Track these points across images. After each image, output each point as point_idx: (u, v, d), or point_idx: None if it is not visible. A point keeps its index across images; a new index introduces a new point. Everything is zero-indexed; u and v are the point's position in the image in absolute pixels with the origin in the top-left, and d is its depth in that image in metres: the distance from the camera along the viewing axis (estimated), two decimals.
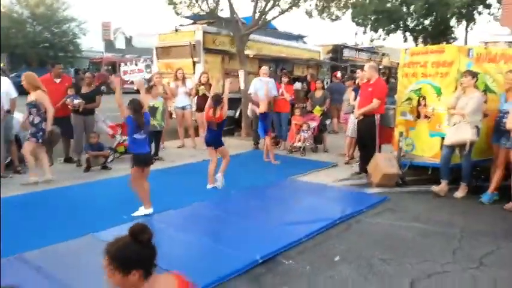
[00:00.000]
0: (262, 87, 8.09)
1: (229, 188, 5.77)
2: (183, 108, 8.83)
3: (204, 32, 10.45)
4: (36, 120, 5.86)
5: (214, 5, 10.67)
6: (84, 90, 7.30)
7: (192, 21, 11.83)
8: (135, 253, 1.63)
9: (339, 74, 11.69)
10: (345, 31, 75.12)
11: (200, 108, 8.26)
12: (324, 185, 6.19)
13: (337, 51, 16.34)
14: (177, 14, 11.05)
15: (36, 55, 24.40)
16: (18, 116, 6.68)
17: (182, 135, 9.00)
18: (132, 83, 5.92)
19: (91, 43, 27.20)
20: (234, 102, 9.35)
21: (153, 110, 7.38)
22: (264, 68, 8.82)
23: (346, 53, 16.71)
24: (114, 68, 25.22)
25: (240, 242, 3.99)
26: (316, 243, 4.07)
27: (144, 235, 1.65)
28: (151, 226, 1.76)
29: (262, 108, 7.60)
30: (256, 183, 6.23)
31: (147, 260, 1.66)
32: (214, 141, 5.79)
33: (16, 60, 24.93)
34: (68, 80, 7.53)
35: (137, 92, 5.24)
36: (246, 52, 10.69)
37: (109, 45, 31.23)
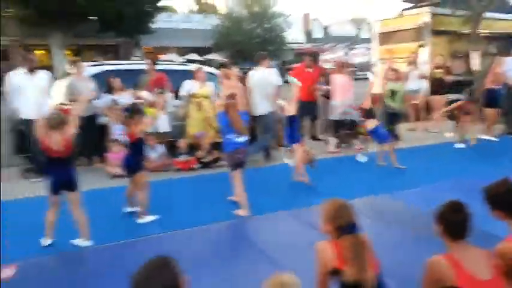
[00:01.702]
0: None
1: None
2: (415, 91, 8.97)
3: (433, 14, 10.25)
4: None
5: None
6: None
7: (411, 4, 11.71)
8: None
9: None
10: None
11: (436, 91, 8.28)
12: None
13: None
14: None
15: (252, 50, 28.00)
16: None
17: (413, 118, 9.19)
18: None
19: (294, 35, 29.63)
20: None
21: (393, 93, 7.79)
22: None
23: None
24: (315, 57, 26.82)
25: None
26: None
27: None
28: None
29: None
30: None
31: None
32: None
33: (237, 56, 29.20)
34: (318, 70, 8.64)
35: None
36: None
37: (308, 36, 33.39)
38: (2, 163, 6.33)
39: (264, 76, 6.93)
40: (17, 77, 5.84)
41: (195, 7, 45.33)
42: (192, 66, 7.99)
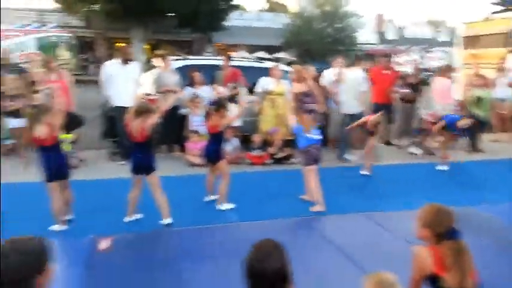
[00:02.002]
0: None
1: None
2: (502, 100, 8.38)
3: None
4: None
5: None
6: (410, 80, 7.96)
7: (500, 7, 10.89)
8: None
9: None
10: None
11: None
12: None
13: None
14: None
15: (320, 49, 27.74)
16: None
17: (498, 129, 8.60)
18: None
19: (365, 36, 28.87)
20: None
21: (479, 100, 7.36)
22: None
23: None
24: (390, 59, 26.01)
25: None
26: None
27: None
28: None
29: None
30: None
31: None
32: None
33: (305, 55, 29.11)
34: (395, 72, 8.39)
35: None
36: None
37: (380, 36, 32.37)
38: (92, 146, 6.91)
39: (356, 77, 6.92)
40: (112, 67, 6.32)
41: (266, 6, 45.87)
42: (267, 64, 8.13)
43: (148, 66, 7.90)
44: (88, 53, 26.23)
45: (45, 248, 1.47)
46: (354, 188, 5.54)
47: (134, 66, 6.42)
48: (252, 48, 28.73)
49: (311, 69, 7.52)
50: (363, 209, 4.58)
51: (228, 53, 23.86)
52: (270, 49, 28.53)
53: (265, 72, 7.51)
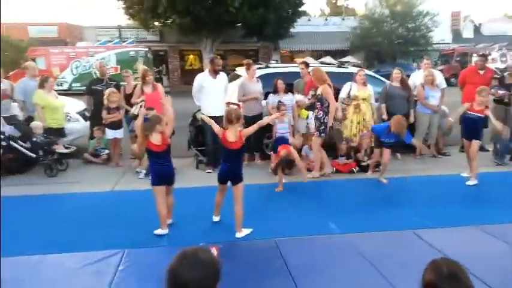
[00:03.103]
0: None
1: None
2: None
3: None
4: (320, 114, 6.04)
5: None
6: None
7: None
8: None
9: None
10: None
11: None
12: None
13: None
14: None
15: (390, 51, 26.72)
16: None
17: None
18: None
19: (441, 35, 27.24)
20: None
21: None
22: None
23: None
24: (464, 59, 24.44)
25: None
26: None
27: None
28: None
29: None
30: None
31: None
32: None
33: (373, 58, 28.23)
34: (490, 72, 7.77)
35: None
36: None
37: (456, 35, 30.35)
38: (179, 154, 7.17)
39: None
40: (203, 78, 6.53)
41: (330, 10, 45.31)
42: (350, 69, 7.94)
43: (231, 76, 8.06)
44: (161, 66, 27.64)
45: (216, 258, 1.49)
46: (461, 197, 5.17)
47: (223, 77, 6.58)
48: (317, 54, 28.43)
49: (396, 72, 7.24)
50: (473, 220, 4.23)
51: (293, 59, 23.76)
52: (336, 53, 28.04)
53: (347, 77, 7.35)
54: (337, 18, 31.05)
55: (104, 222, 4.32)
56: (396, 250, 3.58)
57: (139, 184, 5.82)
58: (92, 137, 7.23)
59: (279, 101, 6.58)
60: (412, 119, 7.18)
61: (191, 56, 29.44)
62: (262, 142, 7.04)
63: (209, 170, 6.47)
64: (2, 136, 5.92)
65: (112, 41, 23.99)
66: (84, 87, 19.46)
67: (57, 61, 21.63)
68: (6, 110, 6.60)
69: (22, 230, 4.08)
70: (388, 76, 7.81)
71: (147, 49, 22.90)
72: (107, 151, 7.04)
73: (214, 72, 6.37)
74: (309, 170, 6.30)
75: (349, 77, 7.30)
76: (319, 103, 5.96)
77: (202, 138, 6.81)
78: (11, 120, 6.51)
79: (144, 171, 6.22)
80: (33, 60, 20.66)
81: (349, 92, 6.92)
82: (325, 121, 5.95)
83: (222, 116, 6.39)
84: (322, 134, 6.01)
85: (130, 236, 3.88)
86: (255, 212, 4.58)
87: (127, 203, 4.92)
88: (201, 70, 27.00)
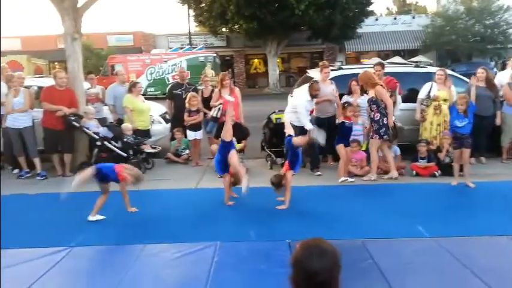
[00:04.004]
0: None
1: None
2: None
3: None
4: (377, 116, 5.88)
5: None
6: None
7: None
8: None
9: None
10: None
11: None
12: None
13: None
14: None
15: (465, 49, 25.18)
16: None
17: None
18: None
19: None
20: None
21: None
22: None
23: None
24: None
25: None
26: None
27: None
28: None
29: None
30: None
31: None
32: None
33: (446, 57, 26.80)
34: None
35: None
36: None
37: None
38: (254, 155, 7.38)
39: None
40: (304, 101, 6.46)
41: (395, 8, 43.70)
42: (429, 69, 7.68)
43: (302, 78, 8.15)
44: (227, 70, 28.55)
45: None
46: None
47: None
48: (385, 54, 27.57)
49: (481, 71, 6.88)
50: None
51: (359, 60, 23.30)
52: (405, 53, 27.00)
53: (424, 77, 7.12)
54: (407, 16, 29.87)
55: (193, 216, 4.62)
56: (493, 256, 3.42)
57: (219, 183, 6.11)
58: (173, 138, 7.69)
59: (346, 102, 6.53)
60: (498, 121, 6.80)
61: (256, 60, 30.00)
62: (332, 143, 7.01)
63: (318, 173, 6.51)
64: (97, 137, 6.51)
65: (183, 48, 25.17)
66: (158, 92, 20.75)
67: (134, 68, 23.16)
68: (98, 113, 7.26)
69: (122, 222, 4.49)
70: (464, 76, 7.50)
71: (215, 54, 23.73)
72: (187, 151, 7.45)
73: (313, 96, 6.24)
74: (386, 172, 6.21)
75: (427, 77, 7.07)
76: (374, 105, 5.94)
77: (276, 139, 6.96)
78: (104, 122, 7.15)
79: None
80: (112, 67, 22.45)
81: (429, 92, 6.70)
82: (385, 122, 5.87)
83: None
84: (385, 136, 5.92)
85: (220, 230, 4.11)
86: (337, 213, 4.63)
87: (212, 199, 5.20)
88: (265, 74, 27.56)
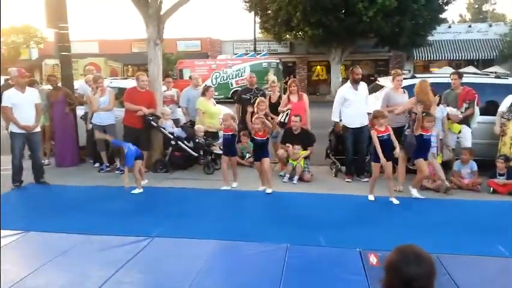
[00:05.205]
0: None
1: None
2: None
3: None
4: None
5: None
6: None
7: None
8: None
9: None
10: None
11: None
12: None
13: None
14: None
15: None
16: None
17: None
18: None
19: None
20: None
21: None
22: None
23: None
24: None
25: None
26: None
27: None
28: None
29: None
30: None
31: None
32: None
33: None
34: None
35: None
36: None
37: None
38: (316, 161, 7.39)
39: None
40: (345, 91, 6.65)
41: (469, 16, 41.29)
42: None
43: (374, 87, 8.03)
44: (289, 76, 28.68)
45: None
46: None
47: (363, 87, 6.61)
48: (456, 63, 26.15)
49: None
50: None
51: (429, 69, 22.26)
52: (479, 63, 25.43)
53: (505, 89, 6.73)
54: (484, 24, 28.12)
55: (261, 217, 4.77)
56: None
57: (284, 186, 6.21)
58: (239, 141, 7.92)
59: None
60: None
61: (318, 67, 29.86)
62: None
63: (348, 180, 6.54)
64: (172, 136, 6.91)
65: (247, 54, 25.73)
66: (221, 96, 21.35)
67: (201, 72, 24.01)
68: (172, 114, 7.70)
69: (198, 219, 4.75)
70: None
71: (278, 61, 23.97)
72: (249, 155, 7.64)
73: (355, 82, 6.42)
74: (460, 187, 5.96)
75: (509, 89, 6.69)
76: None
77: (342, 147, 6.93)
78: (177, 123, 7.56)
79: (288, 175, 6.61)
80: (181, 71, 23.53)
81: (511, 105, 6.33)
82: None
83: (363, 126, 6.48)
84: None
85: (290, 233, 4.21)
86: (408, 225, 4.53)
87: (280, 203, 5.32)
88: (327, 80, 27.29)
